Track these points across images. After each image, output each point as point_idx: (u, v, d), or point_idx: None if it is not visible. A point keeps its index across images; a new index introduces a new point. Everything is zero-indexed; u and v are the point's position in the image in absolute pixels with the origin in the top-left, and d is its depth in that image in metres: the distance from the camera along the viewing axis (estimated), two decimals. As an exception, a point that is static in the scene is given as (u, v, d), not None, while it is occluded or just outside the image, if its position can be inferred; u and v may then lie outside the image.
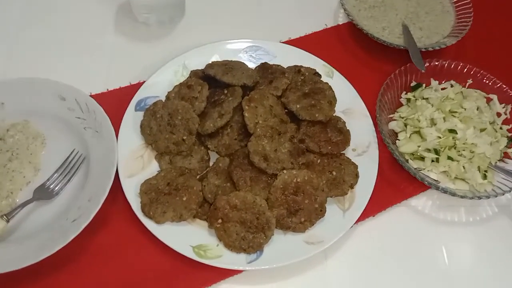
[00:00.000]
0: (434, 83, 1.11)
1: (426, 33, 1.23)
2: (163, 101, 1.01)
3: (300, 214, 0.89)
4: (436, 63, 1.12)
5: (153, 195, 0.91)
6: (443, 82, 1.13)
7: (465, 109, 1.04)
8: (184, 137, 0.96)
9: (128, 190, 0.92)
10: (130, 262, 0.89)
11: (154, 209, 0.89)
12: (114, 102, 1.05)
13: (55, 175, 0.98)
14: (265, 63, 1.10)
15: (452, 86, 1.11)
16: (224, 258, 0.86)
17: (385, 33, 1.22)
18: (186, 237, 0.87)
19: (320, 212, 0.90)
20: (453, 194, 0.96)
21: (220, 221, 0.88)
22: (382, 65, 1.18)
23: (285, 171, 0.91)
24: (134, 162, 0.96)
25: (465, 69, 1.12)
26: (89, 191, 0.92)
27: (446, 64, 1.12)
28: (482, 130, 1.02)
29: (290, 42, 1.19)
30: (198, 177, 0.96)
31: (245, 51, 1.14)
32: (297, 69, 1.08)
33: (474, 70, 1.11)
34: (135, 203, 0.91)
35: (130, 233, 0.91)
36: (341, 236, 0.90)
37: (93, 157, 0.98)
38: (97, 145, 0.98)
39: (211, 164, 0.98)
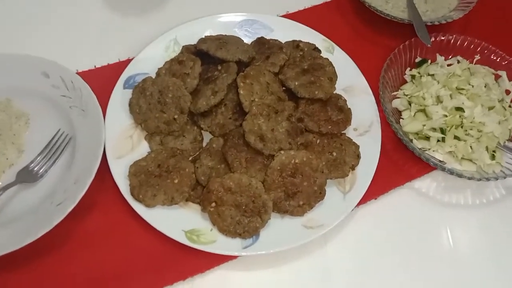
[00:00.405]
0: (440, 58, 1.08)
1: (431, 6, 1.18)
2: (153, 78, 0.97)
3: (299, 197, 0.86)
4: (442, 38, 1.09)
5: (143, 177, 0.87)
6: (450, 58, 1.09)
7: (472, 86, 1.01)
8: (176, 116, 0.92)
9: (116, 172, 0.88)
10: (119, 248, 0.86)
11: (144, 192, 0.85)
12: (102, 80, 1.01)
13: (39, 157, 0.93)
14: (262, 37, 1.06)
15: (458, 62, 1.07)
16: (218, 243, 0.83)
17: (389, 6, 1.17)
18: (178, 221, 0.84)
19: (319, 194, 0.87)
20: (460, 175, 0.92)
21: (213, 204, 0.84)
22: (385, 40, 1.15)
23: (282, 152, 0.87)
24: (123, 143, 0.92)
25: (473, 44, 1.08)
26: (75, 173, 0.89)
27: (452, 39, 1.09)
28: (490, 108, 0.99)
29: (288, 16, 1.16)
30: (190, 158, 0.92)
31: (241, 25, 1.09)
32: (295, 44, 1.04)
33: (482, 45, 1.08)
34: (123, 186, 0.87)
35: (119, 217, 0.88)
36: (342, 220, 0.87)
37: (80, 137, 0.94)
38: (83, 125, 0.94)
39: (204, 144, 0.95)
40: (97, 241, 0.86)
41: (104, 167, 0.89)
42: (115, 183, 0.88)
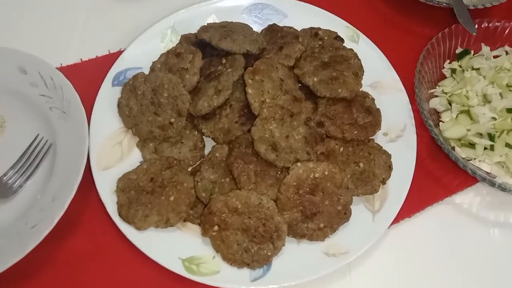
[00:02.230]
0: (485, 49, 0.98)
1: (473, -14, 1.07)
2: (146, 73, 0.90)
3: (319, 218, 0.79)
4: (488, 25, 0.98)
5: (133, 193, 0.80)
6: (496, 48, 0.99)
7: None
8: (172, 120, 0.84)
9: (102, 187, 0.81)
10: (105, 277, 0.79)
11: (133, 211, 0.78)
12: (89, 75, 0.95)
13: (14, 168, 0.84)
14: (274, 24, 0.99)
15: (507, 53, 0.97)
16: (222, 274, 0.76)
17: (423, -13, 1.06)
18: (174, 247, 0.78)
19: (343, 215, 0.80)
20: None
21: (216, 228, 0.77)
22: (419, 27, 1.06)
23: (299, 164, 0.80)
24: (110, 151, 0.86)
25: None
26: (53, 188, 0.81)
27: (500, 26, 0.98)
28: (548, 109, 0.89)
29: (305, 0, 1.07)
30: (189, 170, 0.85)
31: (249, 10, 1.02)
32: (314, 32, 0.98)
33: None
34: (110, 204, 0.80)
35: (105, 240, 0.81)
36: (371, 245, 0.80)
37: (61, 144, 0.87)
38: (64, 130, 0.88)
39: (206, 153, 0.88)
40: (79, 268, 0.79)
41: (88, 180, 0.82)
42: (100, 199, 0.81)
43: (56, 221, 0.74)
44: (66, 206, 0.76)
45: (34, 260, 0.76)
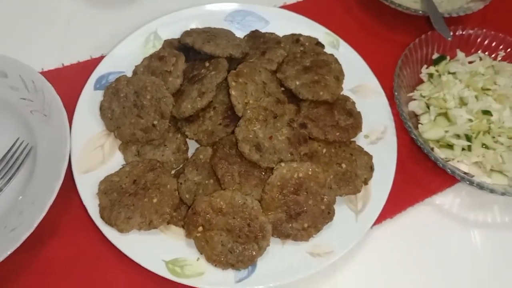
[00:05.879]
0: (460, 55, 0.99)
1: (447, -4, 1.09)
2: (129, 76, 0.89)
3: (303, 218, 0.78)
4: (462, 32, 1.00)
5: (115, 196, 0.78)
6: (470, 54, 1.00)
7: (499, 85, 0.92)
8: (155, 122, 0.83)
9: (84, 190, 0.80)
10: (87, 281, 0.77)
11: (116, 214, 0.76)
12: (70, 80, 0.94)
13: None
14: (256, 31, 0.99)
15: (480, 59, 0.99)
16: (206, 276, 0.74)
17: (400, -4, 1.08)
18: (158, 249, 0.76)
19: (327, 215, 0.79)
20: (492, 190, 0.82)
21: (200, 229, 0.75)
22: (396, 35, 1.07)
23: (283, 164, 0.79)
24: (92, 154, 0.84)
25: (496, 40, 0.99)
26: (33, 191, 0.79)
27: (473, 34, 1.00)
28: (521, 111, 0.90)
29: (286, 7, 1.09)
30: (172, 172, 0.84)
31: (232, 17, 1.02)
32: (295, 38, 0.97)
33: (506, 40, 0.99)
34: (92, 206, 0.78)
35: (87, 244, 0.79)
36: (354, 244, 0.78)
37: (41, 148, 0.85)
38: (45, 133, 0.86)
39: (189, 155, 0.86)
40: (60, 272, 0.77)
41: (69, 183, 0.80)
42: (82, 202, 0.79)
43: (35, 224, 0.72)
44: (46, 209, 0.74)
45: (15, 262, 0.73)
